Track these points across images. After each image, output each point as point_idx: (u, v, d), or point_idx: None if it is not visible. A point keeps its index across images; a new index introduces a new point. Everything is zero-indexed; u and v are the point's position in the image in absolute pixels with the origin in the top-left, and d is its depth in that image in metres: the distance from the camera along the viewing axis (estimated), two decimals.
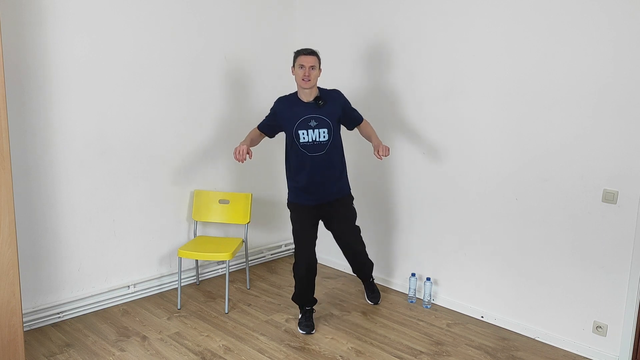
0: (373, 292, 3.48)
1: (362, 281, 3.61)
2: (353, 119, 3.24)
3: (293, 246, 3.37)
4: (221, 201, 3.81)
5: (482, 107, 3.32)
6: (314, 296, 3.33)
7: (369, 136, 3.26)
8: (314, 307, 3.33)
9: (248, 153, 2.96)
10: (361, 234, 3.46)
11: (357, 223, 3.39)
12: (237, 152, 2.94)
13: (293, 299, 3.29)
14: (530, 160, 3.14)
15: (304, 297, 3.25)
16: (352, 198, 3.27)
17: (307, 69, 2.94)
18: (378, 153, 3.00)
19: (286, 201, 3.35)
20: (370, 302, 3.41)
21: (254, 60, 4.08)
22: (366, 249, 3.52)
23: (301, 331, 3.20)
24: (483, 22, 3.25)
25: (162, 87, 3.53)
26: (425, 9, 3.51)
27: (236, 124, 4.02)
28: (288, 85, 4.35)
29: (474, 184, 3.41)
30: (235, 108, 4.00)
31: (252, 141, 3.17)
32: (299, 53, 3.01)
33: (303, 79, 2.96)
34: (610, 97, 2.81)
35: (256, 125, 3.26)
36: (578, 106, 2.92)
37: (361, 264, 3.47)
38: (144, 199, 3.55)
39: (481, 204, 3.39)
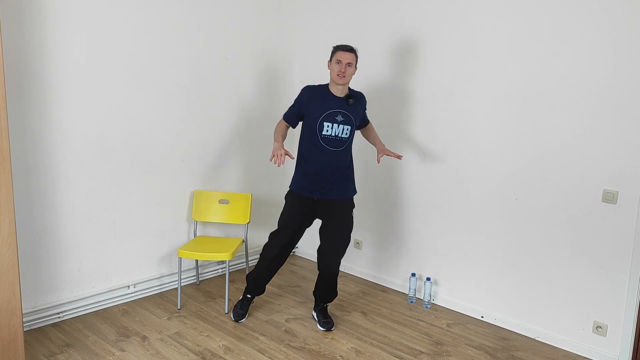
0: (326, 317, 3.29)
1: (315, 305, 3.36)
2: (363, 120, 3.28)
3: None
4: (221, 201, 3.81)
5: (482, 107, 3.32)
6: (266, 286, 3.35)
7: (374, 140, 3.28)
8: (254, 297, 3.38)
9: (287, 154, 2.88)
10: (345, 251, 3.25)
11: (356, 223, 3.35)
12: (276, 157, 2.83)
13: (247, 276, 3.31)
14: (530, 160, 3.14)
15: (257, 282, 3.28)
16: (354, 205, 3.20)
17: (343, 65, 2.93)
18: (385, 155, 2.84)
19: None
20: (322, 329, 3.24)
21: (254, 61, 4.08)
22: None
23: (232, 317, 3.28)
24: (483, 22, 3.26)
25: (162, 87, 3.53)
26: (425, 9, 3.51)
27: (236, 123, 4.02)
28: (289, 85, 4.35)
29: (474, 183, 3.41)
30: (235, 108, 4.00)
31: (284, 137, 3.06)
32: (337, 48, 2.97)
33: (338, 75, 2.94)
34: (610, 97, 2.81)
35: (281, 118, 3.16)
36: (578, 106, 2.92)
37: (330, 287, 3.28)
38: (143, 199, 3.55)
39: (481, 203, 3.39)
